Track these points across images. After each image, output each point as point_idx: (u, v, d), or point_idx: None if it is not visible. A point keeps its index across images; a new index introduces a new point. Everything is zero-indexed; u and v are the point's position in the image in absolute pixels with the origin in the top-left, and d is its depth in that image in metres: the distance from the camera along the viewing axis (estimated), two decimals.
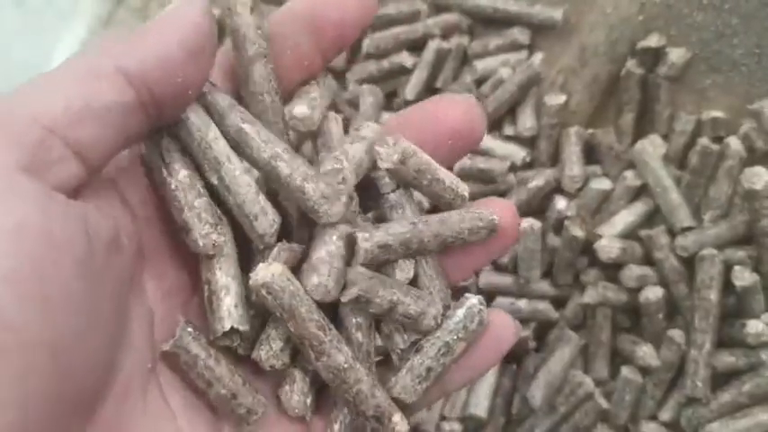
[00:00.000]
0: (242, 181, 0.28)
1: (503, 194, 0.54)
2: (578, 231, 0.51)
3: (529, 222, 0.52)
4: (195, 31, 0.24)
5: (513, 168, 0.56)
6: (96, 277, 0.21)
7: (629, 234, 0.53)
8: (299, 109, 0.31)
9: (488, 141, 0.55)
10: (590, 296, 0.52)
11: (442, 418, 0.55)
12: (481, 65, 0.58)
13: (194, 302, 0.29)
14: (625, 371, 0.51)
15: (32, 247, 0.19)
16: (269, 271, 0.27)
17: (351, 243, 0.30)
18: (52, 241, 0.19)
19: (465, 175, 0.55)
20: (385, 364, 0.33)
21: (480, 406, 0.54)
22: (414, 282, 0.32)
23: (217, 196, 0.29)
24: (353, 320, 0.31)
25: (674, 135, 0.54)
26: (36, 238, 0.19)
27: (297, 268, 0.30)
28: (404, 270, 0.31)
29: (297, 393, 0.31)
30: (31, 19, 0.99)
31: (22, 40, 0.99)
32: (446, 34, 0.60)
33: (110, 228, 0.23)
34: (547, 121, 0.55)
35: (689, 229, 0.51)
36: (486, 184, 0.55)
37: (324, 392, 0.32)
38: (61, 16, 0.98)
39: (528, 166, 0.56)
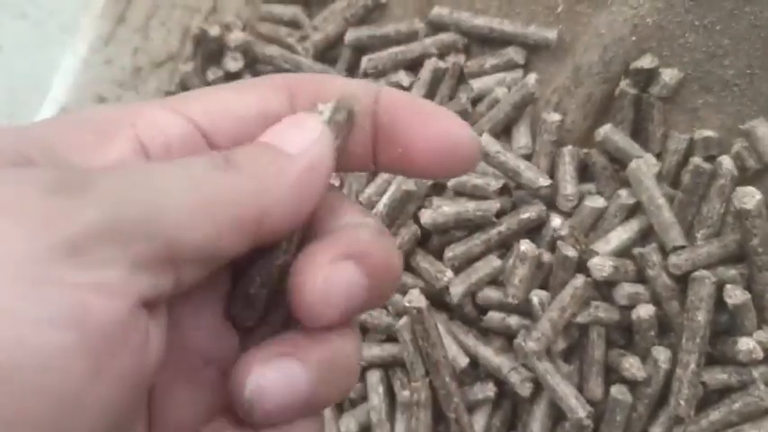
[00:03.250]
0: None
1: (498, 214, 0.55)
2: (571, 251, 0.52)
3: (525, 246, 0.53)
4: (324, 188, 0.22)
5: (508, 189, 0.56)
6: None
7: (624, 252, 0.54)
8: None
9: (514, 160, 0.56)
10: (582, 316, 0.52)
11: None
12: (477, 84, 0.59)
13: None
14: (614, 390, 0.52)
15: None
16: None
17: None
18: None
19: (459, 191, 0.56)
20: None
21: None
22: None
23: None
24: None
25: (667, 154, 0.54)
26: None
27: None
28: None
29: None
30: (34, 31, 1.00)
31: (24, 52, 1.00)
32: (443, 54, 0.61)
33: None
34: (546, 139, 0.56)
35: (681, 247, 0.52)
36: (480, 200, 0.56)
37: None
38: (64, 29, 0.99)
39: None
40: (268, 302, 0.23)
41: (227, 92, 0.24)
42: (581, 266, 0.53)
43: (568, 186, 0.55)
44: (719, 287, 0.50)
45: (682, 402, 0.50)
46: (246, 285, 0.23)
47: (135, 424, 0.21)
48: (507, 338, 0.56)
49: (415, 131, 0.24)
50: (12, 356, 0.16)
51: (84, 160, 0.21)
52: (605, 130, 0.55)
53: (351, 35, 0.64)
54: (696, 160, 0.52)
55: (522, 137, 0.57)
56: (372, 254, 0.22)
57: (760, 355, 0.50)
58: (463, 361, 0.54)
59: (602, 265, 0.52)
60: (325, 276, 0.21)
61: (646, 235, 0.54)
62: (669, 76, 0.54)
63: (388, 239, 0.23)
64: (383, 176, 0.57)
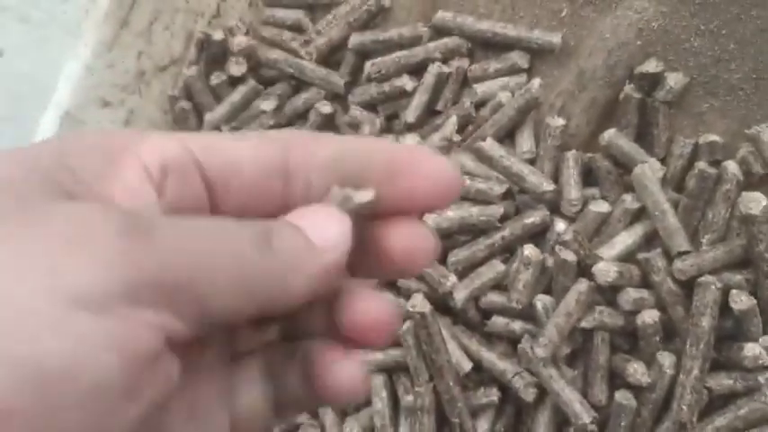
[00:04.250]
0: None
1: (502, 219, 0.55)
2: (570, 256, 0.52)
3: (528, 251, 0.53)
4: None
5: (511, 193, 0.56)
6: None
7: (628, 257, 0.54)
8: None
9: (518, 164, 0.55)
10: (587, 321, 0.52)
11: None
12: (481, 88, 0.59)
13: None
14: (619, 396, 0.51)
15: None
16: None
17: None
18: None
19: (463, 196, 0.56)
20: None
21: None
22: None
23: None
24: None
25: (672, 159, 0.54)
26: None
27: None
28: None
29: None
30: (36, 34, 1.00)
31: (27, 54, 1.00)
32: (446, 58, 0.61)
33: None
34: (550, 143, 0.56)
35: (686, 252, 0.52)
36: (483, 206, 0.56)
37: None
38: (66, 31, 0.99)
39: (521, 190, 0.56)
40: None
41: (225, 135, 0.26)
42: (585, 271, 0.53)
43: (572, 191, 0.55)
44: (725, 292, 0.50)
45: (684, 408, 0.50)
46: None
47: None
48: (511, 343, 0.56)
49: (408, 177, 0.25)
50: (66, 368, 0.18)
51: (102, 188, 0.22)
52: (610, 134, 0.55)
53: (354, 40, 0.64)
54: (701, 165, 0.52)
55: (525, 141, 0.57)
56: None
57: (766, 360, 0.50)
58: (467, 365, 0.54)
59: (606, 271, 0.51)
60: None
61: (650, 240, 0.54)
62: (674, 80, 0.54)
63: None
64: None
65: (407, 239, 0.25)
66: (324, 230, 0.23)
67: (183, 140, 0.24)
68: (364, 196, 0.24)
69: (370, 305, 0.24)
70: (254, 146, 0.25)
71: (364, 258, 0.25)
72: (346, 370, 0.24)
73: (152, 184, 0.23)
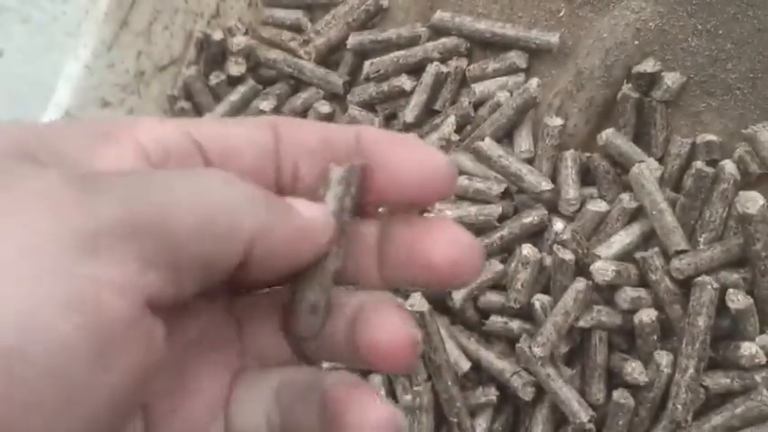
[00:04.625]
0: None
1: (500, 218, 0.55)
2: (568, 255, 0.52)
3: (527, 250, 0.53)
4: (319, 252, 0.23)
5: (509, 193, 0.56)
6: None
7: (626, 256, 0.54)
8: None
9: (516, 164, 0.56)
10: (584, 320, 0.52)
11: None
12: (479, 88, 0.59)
13: None
14: (616, 395, 0.52)
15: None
16: None
17: None
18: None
19: (461, 195, 0.56)
20: None
21: None
22: None
23: None
24: None
25: (670, 158, 0.54)
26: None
27: None
28: None
29: None
30: (36, 34, 1.00)
31: (27, 56, 1.00)
32: (445, 58, 0.61)
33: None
34: (548, 143, 0.56)
35: (684, 251, 0.52)
36: (482, 205, 0.56)
37: None
38: (68, 33, 1.00)
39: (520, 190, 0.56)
40: (326, 309, 0.24)
41: (223, 120, 0.25)
42: (583, 270, 0.53)
43: (570, 190, 0.55)
44: (722, 291, 0.50)
45: (679, 407, 0.50)
46: (306, 295, 0.24)
47: (134, 418, 0.22)
48: (509, 342, 0.56)
49: (394, 161, 0.24)
50: (25, 338, 0.16)
51: (88, 161, 0.21)
52: (607, 134, 0.55)
53: (353, 40, 0.64)
54: (698, 164, 0.52)
55: (523, 141, 0.57)
56: None
57: (763, 359, 0.50)
58: (465, 365, 0.54)
59: (604, 270, 0.52)
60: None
61: (648, 239, 0.54)
62: (671, 79, 0.54)
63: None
64: None
65: (448, 245, 0.23)
66: (305, 205, 0.23)
67: (183, 125, 0.24)
68: (355, 165, 0.23)
69: (387, 322, 0.23)
70: (248, 128, 0.24)
71: (397, 265, 0.24)
72: (373, 413, 0.22)
73: (149, 164, 0.22)
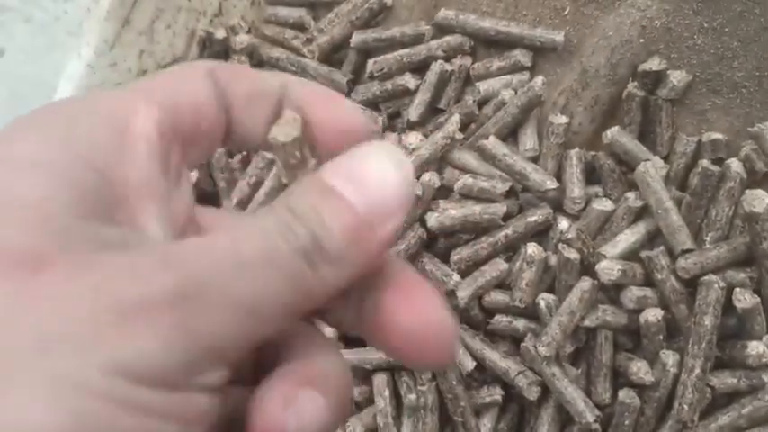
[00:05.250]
0: None
1: (505, 217, 0.55)
2: (573, 254, 0.52)
3: (532, 249, 0.53)
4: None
5: (514, 191, 0.56)
6: None
7: (631, 255, 0.53)
8: None
9: (521, 162, 0.55)
10: (590, 319, 0.52)
11: None
12: (483, 86, 0.59)
13: None
14: (622, 394, 0.51)
15: None
16: None
17: None
18: None
19: (466, 194, 0.56)
20: None
21: None
22: None
23: None
24: None
25: (675, 157, 0.54)
26: None
27: None
28: None
29: None
30: (38, 33, 1.00)
31: (29, 54, 1.00)
32: (449, 56, 0.61)
33: None
34: (553, 141, 0.56)
35: (690, 250, 0.51)
36: (486, 203, 0.55)
37: None
38: (70, 32, 0.99)
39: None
40: None
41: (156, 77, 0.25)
42: (588, 269, 0.53)
43: (575, 189, 0.54)
44: (728, 291, 0.50)
45: (685, 407, 0.50)
46: None
47: None
48: (514, 342, 0.56)
49: (319, 117, 0.24)
50: None
51: (114, 173, 0.21)
52: (613, 132, 0.54)
53: (356, 38, 0.63)
54: (704, 163, 0.52)
55: (528, 139, 0.57)
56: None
57: None
58: (470, 364, 0.54)
59: (610, 269, 0.51)
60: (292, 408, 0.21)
61: (653, 238, 0.54)
62: (677, 78, 0.54)
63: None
64: None
65: (418, 317, 0.21)
66: (376, 191, 0.20)
67: (213, 69, 0.24)
68: (286, 133, 0.23)
69: (423, 308, 0.22)
70: (194, 85, 0.24)
71: (368, 332, 0.23)
72: None
73: (159, 160, 0.22)
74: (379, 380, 0.57)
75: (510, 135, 0.58)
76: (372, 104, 0.63)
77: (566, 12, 0.57)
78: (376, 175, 0.20)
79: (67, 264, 0.18)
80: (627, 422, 0.51)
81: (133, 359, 0.17)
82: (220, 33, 0.69)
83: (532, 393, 0.53)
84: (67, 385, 0.16)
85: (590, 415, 0.51)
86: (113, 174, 0.21)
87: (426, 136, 0.58)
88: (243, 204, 0.63)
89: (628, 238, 0.54)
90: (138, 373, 0.17)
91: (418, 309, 0.22)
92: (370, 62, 0.62)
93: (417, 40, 0.62)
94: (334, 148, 0.23)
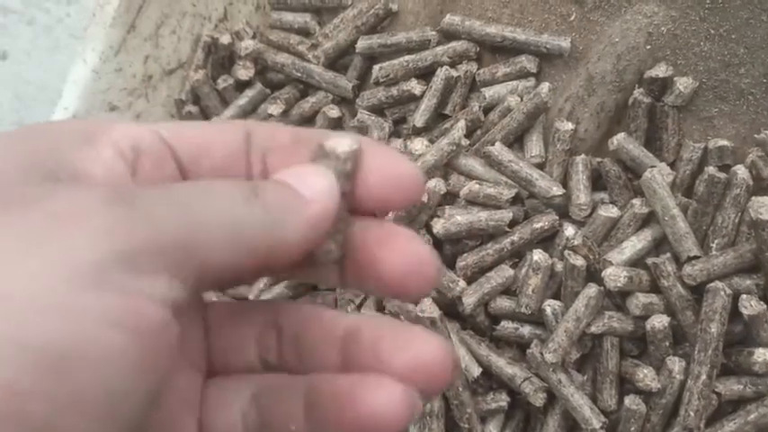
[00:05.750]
0: None
1: (511, 223, 0.55)
2: (579, 261, 0.52)
3: (537, 255, 0.53)
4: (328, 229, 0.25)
5: (520, 198, 0.56)
6: None
7: (638, 261, 0.53)
8: None
9: (527, 169, 0.55)
10: (596, 326, 0.52)
11: None
12: (489, 92, 0.59)
13: None
14: (628, 401, 0.51)
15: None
16: None
17: None
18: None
19: (472, 200, 0.56)
20: None
21: None
22: None
23: None
24: None
25: (682, 163, 0.54)
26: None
27: None
28: None
29: None
30: (42, 37, 1.00)
31: (33, 58, 1.00)
32: (455, 62, 0.61)
33: None
34: (559, 147, 0.56)
35: (696, 257, 0.51)
36: (492, 210, 0.55)
37: None
38: (72, 35, 1.00)
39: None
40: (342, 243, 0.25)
41: (192, 122, 0.28)
42: (594, 276, 0.53)
43: (581, 195, 0.54)
44: (734, 298, 0.50)
45: (691, 413, 0.50)
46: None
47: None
48: (520, 348, 0.56)
49: (367, 164, 0.25)
50: (75, 349, 0.18)
51: (82, 164, 0.23)
52: (619, 139, 0.55)
53: (362, 43, 0.63)
54: (711, 170, 0.52)
55: (534, 146, 0.57)
56: None
57: None
58: (476, 371, 0.54)
59: (616, 276, 0.51)
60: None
61: (659, 245, 0.54)
62: (684, 84, 0.54)
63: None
64: None
65: (403, 259, 0.24)
66: (310, 183, 0.24)
67: (153, 127, 0.25)
68: (349, 144, 0.24)
69: (405, 247, 0.24)
70: (220, 129, 0.26)
71: (351, 272, 0.25)
72: (374, 400, 0.22)
73: (126, 163, 0.24)
74: None
75: (516, 141, 0.58)
76: (378, 110, 0.63)
77: (572, 18, 0.57)
78: (308, 171, 0.24)
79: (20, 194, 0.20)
80: (633, 429, 0.51)
81: (67, 258, 0.18)
82: (225, 39, 0.69)
83: (538, 400, 0.53)
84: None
85: (596, 422, 0.51)
86: (72, 159, 0.23)
87: (432, 142, 0.58)
88: None
89: (634, 244, 0.53)
90: (73, 273, 0.18)
91: (399, 244, 0.25)
92: (376, 68, 0.62)
93: (423, 45, 0.62)
94: (379, 201, 0.25)
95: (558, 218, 0.55)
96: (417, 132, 0.60)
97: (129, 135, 0.24)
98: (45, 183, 0.21)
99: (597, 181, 0.56)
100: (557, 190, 0.54)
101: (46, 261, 0.18)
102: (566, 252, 0.52)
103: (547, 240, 0.56)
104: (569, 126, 0.55)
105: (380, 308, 0.58)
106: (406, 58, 0.61)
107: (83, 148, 0.23)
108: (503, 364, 0.54)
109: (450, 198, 0.57)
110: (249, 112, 0.68)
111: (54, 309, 0.18)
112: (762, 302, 0.50)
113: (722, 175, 0.51)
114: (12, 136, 0.23)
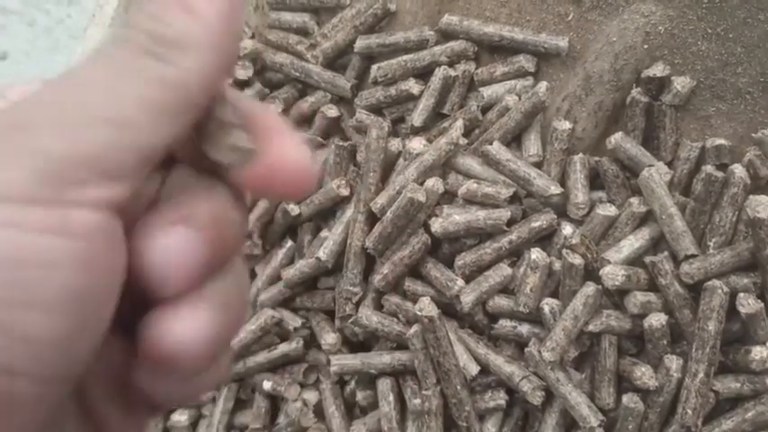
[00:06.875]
0: None
1: (509, 222, 0.55)
2: (577, 259, 0.52)
3: (536, 254, 0.53)
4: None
5: (518, 197, 0.56)
6: None
7: (635, 260, 0.54)
8: None
9: (525, 168, 0.56)
10: (594, 325, 0.52)
11: None
12: (487, 91, 0.59)
13: None
14: (626, 399, 0.52)
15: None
16: None
17: None
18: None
19: (470, 199, 0.56)
20: None
21: None
22: None
23: None
24: None
25: (679, 162, 0.54)
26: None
27: None
28: None
29: None
30: (42, 37, 1.00)
31: (32, 58, 1.00)
32: (453, 62, 0.61)
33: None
34: (557, 147, 0.56)
35: (693, 256, 0.52)
36: (490, 209, 0.56)
37: None
38: (71, 35, 1.00)
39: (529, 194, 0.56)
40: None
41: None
42: (592, 275, 0.53)
43: (579, 194, 0.55)
44: (732, 296, 0.50)
45: (689, 411, 0.50)
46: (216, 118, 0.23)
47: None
48: (518, 347, 0.56)
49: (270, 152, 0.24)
50: (18, 257, 0.19)
51: None
52: (617, 138, 0.55)
53: (360, 43, 0.64)
54: (708, 168, 0.52)
55: (532, 145, 0.57)
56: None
57: None
58: (474, 369, 0.54)
59: (614, 274, 0.51)
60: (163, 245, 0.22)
61: (657, 243, 0.54)
62: (681, 84, 0.54)
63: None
64: (394, 186, 0.57)
65: (283, 155, 0.24)
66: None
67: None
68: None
69: (286, 146, 0.24)
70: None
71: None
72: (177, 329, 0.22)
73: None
74: (384, 384, 0.57)
75: (514, 140, 0.58)
76: (376, 110, 0.63)
77: (569, 17, 0.57)
78: None
79: None
80: (631, 427, 0.52)
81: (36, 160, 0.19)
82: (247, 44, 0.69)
83: (536, 398, 0.53)
84: None
85: (594, 419, 0.51)
86: None
87: (430, 141, 0.59)
88: None
89: (632, 243, 0.54)
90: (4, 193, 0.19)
91: (277, 144, 0.24)
92: (374, 67, 0.62)
93: (421, 45, 0.62)
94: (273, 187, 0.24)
95: (555, 217, 0.55)
96: (415, 132, 0.61)
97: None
98: None
99: (595, 180, 0.56)
100: (555, 189, 0.54)
101: None
102: (564, 251, 0.53)
103: (545, 239, 0.56)
104: (567, 125, 0.56)
105: (379, 307, 0.59)
106: (405, 57, 0.62)
107: None
108: (501, 363, 0.55)
109: (448, 197, 0.58)
110: None
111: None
112: (759, 301, 0.50)
113: (720, 174, 0.52)
114: None
